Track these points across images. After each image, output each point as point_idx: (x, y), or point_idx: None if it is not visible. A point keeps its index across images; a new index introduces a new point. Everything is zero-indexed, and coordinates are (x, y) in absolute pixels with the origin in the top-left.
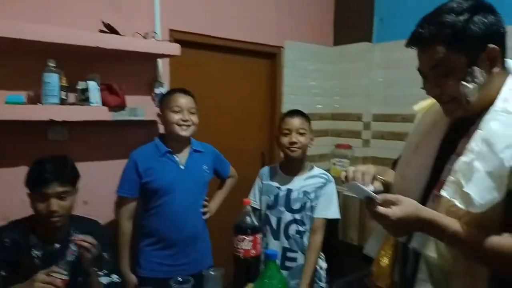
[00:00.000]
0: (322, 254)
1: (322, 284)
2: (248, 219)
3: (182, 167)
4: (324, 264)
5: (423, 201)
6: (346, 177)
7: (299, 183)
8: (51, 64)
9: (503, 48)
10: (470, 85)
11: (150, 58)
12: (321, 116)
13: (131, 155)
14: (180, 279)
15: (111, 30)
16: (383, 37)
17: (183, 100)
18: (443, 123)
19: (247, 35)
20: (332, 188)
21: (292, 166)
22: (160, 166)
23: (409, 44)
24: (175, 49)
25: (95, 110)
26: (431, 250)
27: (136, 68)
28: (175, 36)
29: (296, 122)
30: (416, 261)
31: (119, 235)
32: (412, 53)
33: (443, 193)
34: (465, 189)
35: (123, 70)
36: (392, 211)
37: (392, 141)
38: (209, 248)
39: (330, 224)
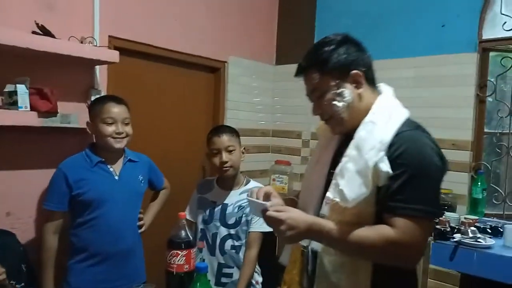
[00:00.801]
0: (258, 268)
1: None
2: (182, 233)
3: (116, 177)
4: (259, 278)
5: (320, 206)
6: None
7: (234, 198)
8: None
9: (369, 73)
10: (340, 104)
11: (87, 64)
12: (263, 132)
13: (60, 166)
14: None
15: (45, 32)
16: None
17: (116, 110)
18: (335, 139)
19: (190, 48)
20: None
21: (227, 181)
22: (93, 177)
23: (296, 74)
24: (113, 56)
25: (23, 115)
26: (323, 247)
27: (72, 74)
28: (115, 43)
29: (223, 140)
30: (314, 261)
31: (43, 251)
32: None
33: (328, 194)
34: (340, 187)
35: (58, 75)
36: (281, 213)
37: None
38: (143, 263)
39: (267, 237)
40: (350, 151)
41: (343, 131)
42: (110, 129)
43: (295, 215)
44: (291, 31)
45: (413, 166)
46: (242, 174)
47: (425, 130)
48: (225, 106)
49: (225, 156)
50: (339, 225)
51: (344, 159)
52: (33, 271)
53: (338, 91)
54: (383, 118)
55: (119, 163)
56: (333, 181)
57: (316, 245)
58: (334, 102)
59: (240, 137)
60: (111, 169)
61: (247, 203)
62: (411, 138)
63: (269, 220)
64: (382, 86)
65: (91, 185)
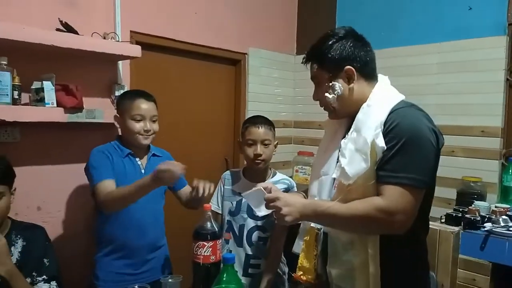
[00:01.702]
0: (284, 259)
1: None
2: (208, 224)
3: (142, 171)
4: (286, 269)
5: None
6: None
7: None
8: (3, 62)
9: (365, 68)
10: (330, 96)
11: (110, 60)
12: (284, 123)
13: (97, 148)
14: (137, 287)
15: (69, 29)
16: None
17: (146, 107)
18: (342, 129)
19: (210, 40)
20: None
21: (255, 173)
22: (123, 167)
23: (302, 61)
24: (135, 50)
25: (50, 111)
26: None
27: (95, 70)
28: (137, 38)
29: (261, 133)
30: (326, 242)
31: (120, 197)
32: (376, 63)
33: (333, 175)
34: (342, 166)
35: (82, 71)
36: (279, 193)
37: None
38: (168, 255)
39: (292, 229)
40: (351, 133)
41: (337, 118)
42: (138, 125)
43: (290, 196)
44: (312, 20)
45: (403, 137)
46: (269, 167)
47: (419, 108)
48: (246, 98)
49: (260, 149)
50: (334, 202)
51: (344, 141)
52: (56, 265)
53: (330, 84)
54: (378, 100)
55: (145, 157)
56: (338, 163)
57: (326, 227)
58: (326, 94)
59: None
60: (139, 162)
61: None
62: (403, 113)
63: (268, 200)
64: (380, 77)
65: (121, 175)
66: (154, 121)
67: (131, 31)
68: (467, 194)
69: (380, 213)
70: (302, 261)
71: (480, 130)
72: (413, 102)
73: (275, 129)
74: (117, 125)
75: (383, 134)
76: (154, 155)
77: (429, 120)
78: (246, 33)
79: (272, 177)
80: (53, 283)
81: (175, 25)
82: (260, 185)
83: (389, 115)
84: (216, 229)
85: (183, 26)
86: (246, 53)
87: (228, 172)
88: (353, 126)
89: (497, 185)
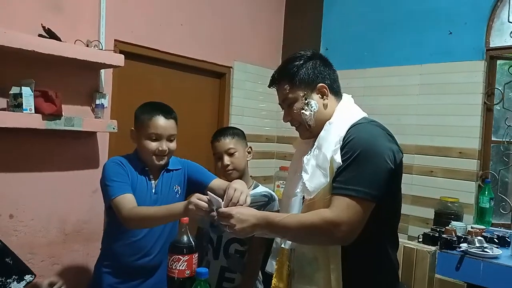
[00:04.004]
0: (260, 276)
1: None
2: (184, 238)
3: (153, 190)
4: (260, 286)
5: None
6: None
7: None
8: None
9: (334, 86)
10: (307, 113)
11: (92, 68)
12: (267, 138)
13: (114, 159)
14: None
15: (51, 35)
16: None
17: (164, 126)
18: (311, 149)
19: (195, 52)
20: (274, 207)
21: None
22: (135, 183)
23: (269, 85)
24: (118, 59)
25: (28, 117)
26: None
27: (76, 77)
28: (121, 47)
29: (223, 144)
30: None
31: (148, 215)
32: (355, 83)
33: (297, 192)
34: (304, 181)
35: (63, 78)
36: (232, 209)
37: None
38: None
39: (270, 243)
40: (313, 150)
41: (310, 137)
42: (154, 145)
43: (243, 210)
44: (297, 37)
45: (357, 151)
46: (251, 177)
47: (379, 124)
48: (229, 112)
49: (226, 159)
50: (287, 215)
51: (307, 157)
52: (19, 259)
53: (306, 101)
54: (339, 117)
55: (158, 172)
56: (301, 180)
57: (294, 244)
58: (303, 111)
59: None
60: (152, 181)
61: (254, 207)
62: (361, 128)
63: (220, 215)
64: (343, 96)
65: (134, 192)
66: (171, 140)
67: (115, 40)
68: (445, 214)
69: (325, 223)
70: (275, 281)
71: (458, 152)
72: (394, 122)
73: (255, 143)
74: (132, 140)
75: (340, 148)
76: (168, 170)
77: (387, 136)
78: (231, 47)
79: (253, 188)
80: (27, 277)
81: (160, 36)
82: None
83: (348, 130)
84: (193, 243)
85: (168, 37)
86: (231, 67)
87: None
88: (315, 143)
89: (473, 206)
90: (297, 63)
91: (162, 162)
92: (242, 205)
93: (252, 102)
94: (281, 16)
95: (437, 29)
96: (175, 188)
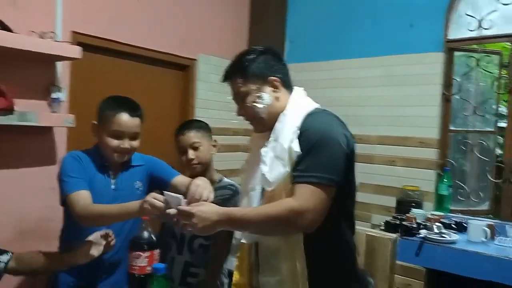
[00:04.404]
0: (225, 269)
1: None
2: (145, 234)
3: (113, 186)
4: (225, 280)
5: None
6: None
7: None
8: None
9: (285, 79)
10: (260, 106)
11: (48, 60)
12: (234, 131)
13: (72, 154)
14: None
15: (2, 26)
16: (293, 59)
17: (128, 124)
18: (266, 142)
19: (158, 44)
20: (239, 200)
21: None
22: (94, 180)
23: (222, 79)
24: (75, 51)
25: None
26: (261, 236)
27: (31, 70)
28: (78, 38)
29: (187, 137)
30: (257, 251)
31: (102, 213)
32: (320, 75)
33: (258, 185)
34: (263, 173)
35: (16, 71)
36: (192, 207)
37: None
38: None
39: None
40: (270, 142)
41: (264, 130)
42: (116, 142)
43: (205, 208)
44: (262, 29)
45: (314, 139)
46: (215, 171)
47: (331, 113)
48: (194, 105)
49: (190, 153)
50: (248, 209)
51: (264, 149)
52: None
53: (258, 94)
54: (293, 109)
55: (119, 168)
56: (260, 173)
57: (256, 237)
58: (256, 104)
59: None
60: (111, 177)
61: (219, 200)
62: (315, 117)
63: (181, 214)
64: (295, 88)
65: (92, 188)
66: (135, 138)
67: (72, 32)
68: (406, 202)
69: (291, 212)
70: (237, 277)
71: (418, 141)
72: (357, 113)
73: (221, 136)
74: (93, 134)
75: (297, 138)
76: (130, 166)
77: (340, 123)
78: (195, 39)
79: (218, 182)
80: (2, 257)
81: (120, 27)
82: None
83: (303, 120)
84: (154, 239)
85: (128, 28)
86: (195, 59)
87: None
88: (271, 136)
89: (433, 194)
90: (249, 57)
91: (122, 160)
92: (205, 201)
93: (218, 95)
94: (246, 9)
95: (398, 21)
96: (136, 185)
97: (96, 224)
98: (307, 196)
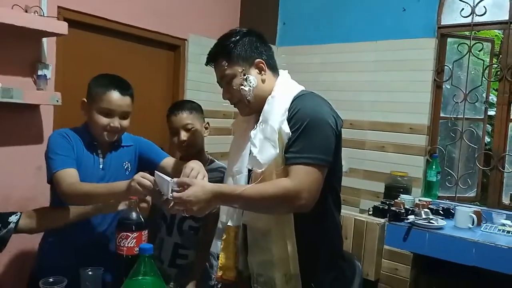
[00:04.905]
0: (215, 252)
1: (211, 283)
2: (133, 214)
3: (101, 166)
4: (215, 262)
5: None
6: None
7: None
8: None
9: (270, 62)
10: (246, 88)
11: (33, 36)
12: (224, 114)
13: (60, 131)
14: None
15: None
16: (285, 41)
17: (118, 103)
18: (251, 126)
19: (148, 23)
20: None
21: (190, 159)
22: (83, 158)
23: (207, 62)
24: (61, 27)
25: None
26: (249, 217)
27: (15, 46)
28: (65, 14)
29: (180, 118)
30: (245, 234)
31: (87, 191)
32: (312, 58)
33: (248, 166)
34: (254, 155)
35: (0, 46)
36: (184, 193)
37: None
38: None
39: None
40: (259, 124)
41: (250, 113)
42: (105, 121)
43: (196, 189)
44: (255, 11)
45: (305, 121)
46: (206, 153)
47: (318, 95)
48: (185, 86)
49: (183, 135)
50: (244, 187)
51: (253, 132)
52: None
53: (245, 77)
54: (281, 91)
55: (107, 148)
56: (250, 154)
57: (244, 219)
58: (242, 87)
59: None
60: (100, 156)
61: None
62: (304, 99)
63: (176, 201)
64: (280, 71)
65: (79, 167)
66: (125, 118)
67: (58, 7)
68: (394, 188)
69: (287, 192)
70: (222, 260)
71: (408, 127)
72: (349, 98)
73: (212, 118)
74: (82, 111)
75: (287, 120)
76: (119, 146)
77: (328, 104)
78: (186, 18)
79: (209, 164)
80: (12, 218)
81: (109, 4)
82: (176, 180)
83: (292, 102)
84: (142, 219)
85: (117, 6)
86: (186, 39)
87: None
88: (260, 118)
89: (421, 180)
90: (233, 39)
91: (111, 139)
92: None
93: (209, 77)
94: None
95: (392, 5)
96: (125, 165)
97: (82, 203)
98: (302, 177)
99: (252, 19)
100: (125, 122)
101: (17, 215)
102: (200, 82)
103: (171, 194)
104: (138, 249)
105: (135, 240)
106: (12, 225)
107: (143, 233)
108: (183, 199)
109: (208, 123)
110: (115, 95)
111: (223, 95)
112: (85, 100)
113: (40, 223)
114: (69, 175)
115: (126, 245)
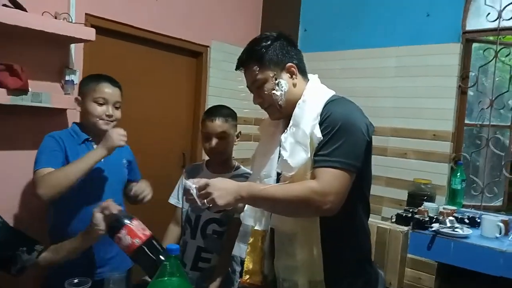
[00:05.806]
0: (238, 257)
1: None
2: (112, 216)
3: (102, 160)
4: (238, 267)
5: None
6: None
7: None
8: None
9: (301, 65)
10: (278, 93)
11: (61, 42)
12: (245, 120)
13: (50, 134)
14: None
15: (16, 5)
16: (306, 47)
17: (110, 92)
18: (279, 130)
19: (171, 30)
20: None
21: (217, 165)
22: (77, 154)
23: (237, 67)
24: (89, 33)
25: None
26: (277, 222)
27: (45, 52)
28: (92, 21)
29: (215, 126)
30: (272, 238)
31: (61, 170)
32: (333, 65)
33: (277, 170)
34: (285, 158)
35: (30, 51)
36: (208, 180)
37: None
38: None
39: None
40: (290, 128)
41: (281, 117)
42: (100, 109)
43: (221, 181)
44: (276, 17)
45: (337, 125)
46: (233, 159)
47: (350, 100)
48: (206, 92)
49: (214, 142)
50: (270, 185)
51: (284, 135)
52: (19, 231)
53: (276, 81)
54: (312, 96)
55: None
56: (279, 158)
57: (272, 223)
58: (274, 91)
59: None
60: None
61: None
62: (337, 104)
63: (200, 193)
64: (310, 76)
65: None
66: (117, 108)
67: (86, 14)
68: (418, 196)
69: (315, 194)
70: (248, 264)
71: (432, 134)
72: (370, 104)
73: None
74: (77, 109)
75: (319, 124)
76: None
77: (360, 110)
78: (209, 25)
79: (235, 170)
80: (37, 246)
81: (134, 11)
82: (193, 182)
83: (324, 107)
84: (120, 215)
85: (143, 13)
86: (209, 46)
87: (190, 165)
88: (291, 122)
89: (446, 188)
90: (264, 43)
91: (107, 127)
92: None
93: (230, 83)
94: None
95: (415, 10)
96: (123, 161)
97: (58, 186)
98: (330, 180)
99: (274, 26)
100: (118, 112)
101: (41, 245)
102: (222, 89)
103: (197, 193)
104: (137, 240)
105: (129, 236)
106: (34, 254)
107: (131, 224)
108: (208, 183)
109: (240, 132)
110: (106, 85)
111: (254, 100)
112: (79, 98)
113: (56, 257)
114: (46, 172)
115: (126, 245)
